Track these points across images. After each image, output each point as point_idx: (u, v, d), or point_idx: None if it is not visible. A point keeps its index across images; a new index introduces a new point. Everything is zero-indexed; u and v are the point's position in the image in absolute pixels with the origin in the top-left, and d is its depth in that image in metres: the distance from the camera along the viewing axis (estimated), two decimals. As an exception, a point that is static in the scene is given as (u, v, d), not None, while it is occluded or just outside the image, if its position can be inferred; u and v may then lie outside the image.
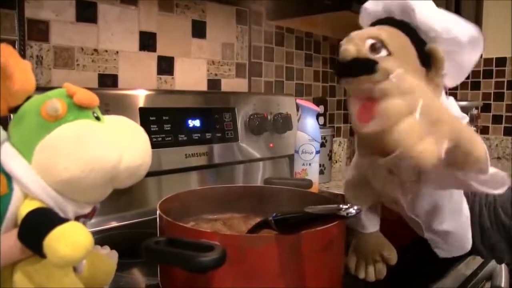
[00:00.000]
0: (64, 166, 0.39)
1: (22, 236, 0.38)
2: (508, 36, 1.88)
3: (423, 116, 0.41)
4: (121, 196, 0.89)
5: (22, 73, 0.40)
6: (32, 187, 0.39)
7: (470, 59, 0.57)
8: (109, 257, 0.52)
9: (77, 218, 0.44)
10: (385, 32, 0.53)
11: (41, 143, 0.40)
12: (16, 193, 0.39)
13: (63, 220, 0.38)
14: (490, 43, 1.94)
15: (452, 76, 0.57)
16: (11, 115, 0.43)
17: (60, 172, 0.39)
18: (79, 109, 0.42)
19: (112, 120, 0.44)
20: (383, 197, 0.65)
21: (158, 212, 0.54)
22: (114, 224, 0.87)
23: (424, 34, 0.55)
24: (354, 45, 0.52)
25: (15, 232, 0.39)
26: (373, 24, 0.59)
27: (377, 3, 0.59)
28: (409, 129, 0.40)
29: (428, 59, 0.54)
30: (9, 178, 0.39)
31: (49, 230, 0.36)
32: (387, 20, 0.57)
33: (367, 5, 0.61)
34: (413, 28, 0.54)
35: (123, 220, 0.89)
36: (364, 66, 0.51)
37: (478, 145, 0.45)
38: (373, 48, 0.51)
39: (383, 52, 0.51)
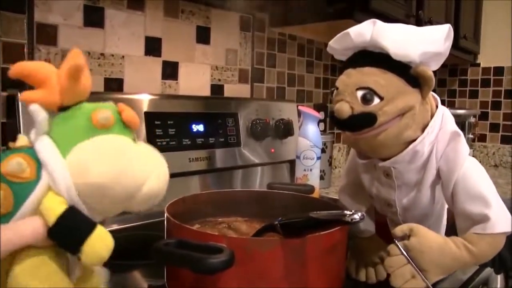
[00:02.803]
0: (98, 170, 0.40)
1: (55, 233, 0.40)
2: (505, 46, 1.91)
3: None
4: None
5: (87, 79, 0.44)
6: (60, 183, 0.40)
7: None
8: (98, 274, 0.51)
9: None
10: (370, 78, 0.55)
11: (82, 144, 0.42)
12: (42, 183, 0.41)
13: (95, 224, 0.41)
14: (488, 53, 1.97)
15: None
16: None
17: (91, 175, 0.40)
18: (123, 126, 0.44)
19: (145, 146, 0.46)
20: (376, 201, 0.67)
21: (165, 215, 0.56)
22: (115, 226, 0.88)
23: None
24: (347, 102, 0.55)
25: (35, 220, 0.40)
26: (351, 57, 0.60)
27: (345, 44, 0.60)
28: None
29: (415, 79, 0.55)
30: (39, 166, 0.41)
31: (87, 235, 0.40)
32: (366, 54, 0.58)
33: (333, 44, 0.62)
34: (391, 57, 0.55)
35: (125, 223, 0.90)
36: (364, 122, 0.55)
37: None
38: (366, 100, 0.54)
39: (376, 100, 0.54)
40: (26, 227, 0.40)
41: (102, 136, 0.42)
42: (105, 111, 0.43)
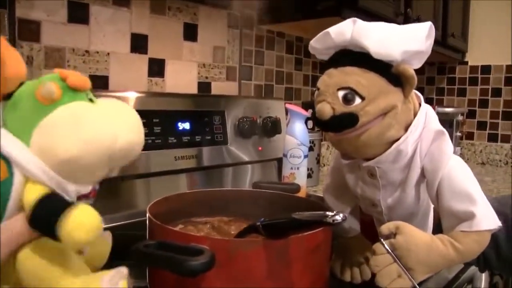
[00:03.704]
0: (63, 147, 0.40)
1: (34, 222, 0.39)
2: (493, 45, 1.92)
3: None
4: (110, 198, 0.89)
5: (14, 60, 0.41)
6: (33, 169, 0.40)
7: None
8: (104, 238, 0.53)
9: (78, 199, 0.45)
10: (351, 78, 0.54)
11: (38, 126, 0.41)
12: (17, 177, 0.40)
13: (72, 204, 0.39)
14: (476, 52, 1.98)
15: None
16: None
17: (59, 153, 0.40)
18: (73, 92, 0.43)
19: (105, 102, 0.45)
20: (361, 201, 0.67)
21: (147, 215, 0.55)
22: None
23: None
24: (328, 103, 0.54)
25: (21, 217, 0.40)
26: (333, 56, 0.59)
27: (325, 43, 0.59)
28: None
29: (397, 78, 0.55)
30: (8, 162, 0.40)
31: (60, 216, 0.38)
32: (347, 53, 0.57)
33: (314, 44, 0.61)
34: (372, 56, 0.55)
35: (111, 222, 0.89)
36: (346, 122, 0.54)
37: None
38: (347, 100, 0.54)
39: (357, 100, 0.54)
40: (14, 225, 0.39)
41: (54, 111, 0.41)
42: (47, 85, 0.42)
